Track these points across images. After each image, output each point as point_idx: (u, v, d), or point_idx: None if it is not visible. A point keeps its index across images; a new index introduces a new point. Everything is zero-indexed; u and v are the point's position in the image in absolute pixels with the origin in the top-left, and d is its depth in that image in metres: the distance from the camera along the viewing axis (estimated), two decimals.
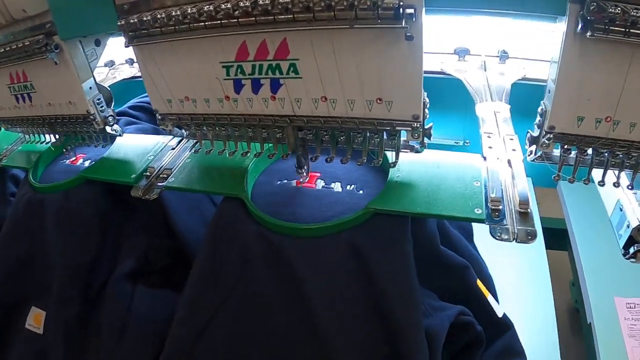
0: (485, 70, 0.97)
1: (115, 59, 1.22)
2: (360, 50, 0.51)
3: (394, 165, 0.63)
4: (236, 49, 0.56)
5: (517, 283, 0.95)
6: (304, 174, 0.70)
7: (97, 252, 0.79)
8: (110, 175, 0.79)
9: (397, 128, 0.57)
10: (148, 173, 0.75)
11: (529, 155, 0.65)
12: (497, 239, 0.57)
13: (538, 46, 0.97)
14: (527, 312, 0.89)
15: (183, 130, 0.71)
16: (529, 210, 0.59)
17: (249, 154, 0.70)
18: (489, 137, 0.73)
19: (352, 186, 0.69)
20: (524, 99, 0.79)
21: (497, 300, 0.72)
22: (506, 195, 0.61)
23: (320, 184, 0.70)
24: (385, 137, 0.60)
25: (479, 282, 0.69)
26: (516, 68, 0.95)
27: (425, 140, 0.60)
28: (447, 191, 0.62)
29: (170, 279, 0.83)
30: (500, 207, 0.58)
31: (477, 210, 0.58)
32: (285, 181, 0.72)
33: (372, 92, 0.55)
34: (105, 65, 1.20)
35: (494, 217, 0.58)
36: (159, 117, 0.69)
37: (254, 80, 0.58)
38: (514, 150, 0.70)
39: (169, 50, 0.60)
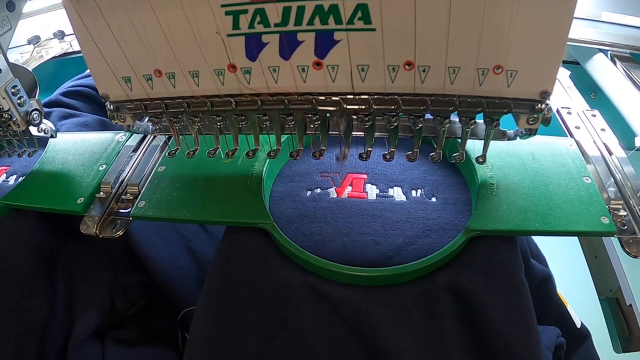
0: None
1: (41, 33, 0.95)
2: None
3: (483, 161, 0.43)
4: None
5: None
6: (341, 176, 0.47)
7: (45, 311, 0.55)
8: (45, 201, 0.51)
9: (515, 110, 0.36)
10: (102, 194, 0.49)
11: None
12: (632, 256, 0.41)
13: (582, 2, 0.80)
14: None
15: (149, 124, 0.45)
16: None
17: (257, 154, 0.45)
18: (569, 113, 0.55)
19: (420, 191, 0.48)
20: None
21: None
22: (623, 194, 0.46)
23: (372, 190, 0.48)
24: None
25: (558, 292, 0.56)
26: None
27: None
28: (560, 195, 0.44)
29: (149, 328, 0.62)
30: (625, 213, 0.44)
31: (604, 220, 0.42)
32: (318, 190, 0.49)
33: (492, 56, 0.33)
34: (29, 42, 0.94)
35: (621, 226, 0.43)
36: (111, 107, 0.43)
37: (287, 35, 0.34)
38: (603, 130, 0.54)
39: None
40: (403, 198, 0.48)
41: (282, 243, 0.42)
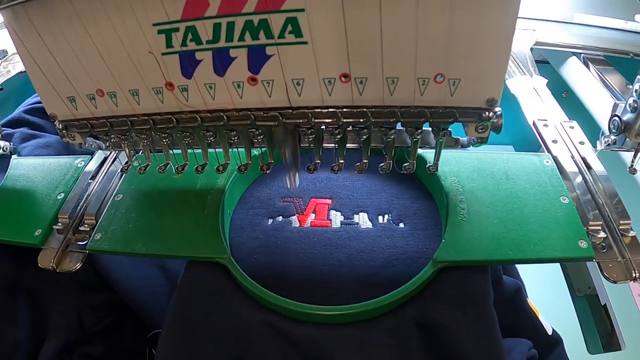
0: None
1: (8, 48, 0.93)
2: None
3: (435, 169, 0.42)
4: None
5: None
6: (298, 199, 0.46)
7: (11, 337, 0.53)
8: (3, 233, 0.50)
9: (462, 119, 0.36)
10: (60, 225, 0.48)
11: (605, 144, 0.47)
12: (611, 281, 0.39)
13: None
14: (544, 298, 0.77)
15: (100, 142, 0.45)
16: (631, 231, 0.42)
17: (205, 168, 0.44)
18: (545, 125, 0.54)
19: (387, 216, 0.47)
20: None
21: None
22: (603, 213, 0.44)
23: (336, 218, 0.47)
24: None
25: (529, 301, 0.54)
26: (526, 30, 0.76)
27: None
28: (535, 218, 0.42)
29: (118, 344, 0.61)
30: (605, 234, 0.42)
31: (582, 244, 0.40)
32: (280, 218, 0.47)
33: (431, 66, 0.33)
34: None
35: (600, 249, 0.41)
36: (59, 125, 0.43)
37: (219, 52, 0.33)
38: (581, 143, 0.52)
39: (62, 9, 0.34)
40: (369, 225, 0.46)
41: (240, 280, 0.40)
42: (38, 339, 0.56)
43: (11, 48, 0.91)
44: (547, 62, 0.80)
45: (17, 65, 0.85)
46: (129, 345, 0.61)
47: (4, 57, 0.89)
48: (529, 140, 1.00)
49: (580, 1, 0.85)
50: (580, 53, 0.74)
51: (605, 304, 0.73)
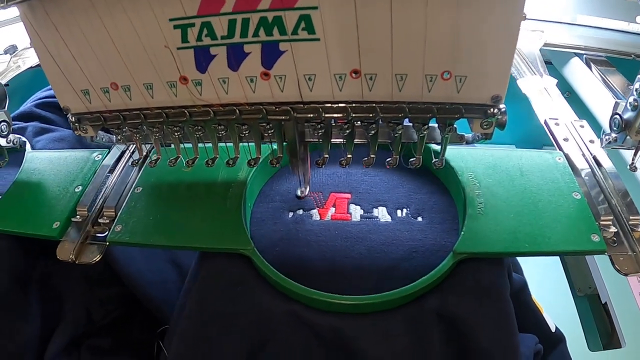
0: None
1: (19, 43, 0.94)
2: None
3: (441, 165, 0.43)
4: None
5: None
6: (305, 189, 0.47)
7: (22, 334, 0.53)
8: (21, 226, 0.50)
9: (467, 115, 0.36)
10: (79, 217, 0.49)
11: (607, 142, 0.48)
12: (623, 273, 0.40)
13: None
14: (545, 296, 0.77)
15: (112, 136, 0.46)
16: None
17: (215, 162, 0.45)
18: (557, 124, 0.55)
19: (405, 210, 0.48)
20: None
21: None
22: (613, 209, 0.45)
23: (356, 211, 0.48)
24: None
25: (533, 298, 0.55)
26: (535, 32, 0.77)
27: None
28: (549, 213, 0.43)
29: (127, 338, 0.61)
30: (616, 229, 0.43)
31: (594, 237, 0.41)
32: (301, 212, 0.48)
33: (439, 63, 0.33)
34: (6, 52, 0.93)
35: (611, 243, 0.42)
36: (73, 119, 0.44)
37: (233, 47, 0.34)
38: (591, 142, 0.53)
39: (79, 1, 0.35)
40: (388, 218, 0.47)
41: (264, 270, 0.41)
42: (47, 333, 0.56)
43: (21, 43, 0.91)
44: (550, 63, 0.81)
45: (27, 61, 0.86)
46: (137, 339, 0.61)
47: (14, 52, 0.90)
48: (531, 140, 1.01)
49: (582, 3, 0.86)
50: (583, 54, 0.75)
51: (605, 302, 0.74)
